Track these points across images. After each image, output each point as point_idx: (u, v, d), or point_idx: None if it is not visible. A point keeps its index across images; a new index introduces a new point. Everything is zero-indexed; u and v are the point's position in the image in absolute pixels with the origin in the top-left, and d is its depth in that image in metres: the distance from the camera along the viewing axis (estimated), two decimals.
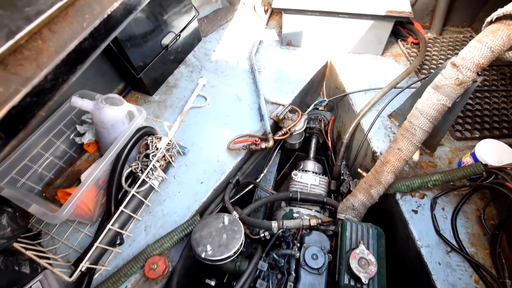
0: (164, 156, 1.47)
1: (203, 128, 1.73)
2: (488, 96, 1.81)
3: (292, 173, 1.72)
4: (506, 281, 1.14)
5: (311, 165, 1.84)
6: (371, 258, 0.98)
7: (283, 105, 1.77)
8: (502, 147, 1.37)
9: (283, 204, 1.63)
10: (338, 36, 2.04)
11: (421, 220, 1.34)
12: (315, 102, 1.95)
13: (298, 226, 1.25)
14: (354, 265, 0.96)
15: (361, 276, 0.94)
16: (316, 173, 1.78)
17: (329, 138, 2.08)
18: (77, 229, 1.40)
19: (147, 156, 1.42)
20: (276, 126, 1.75)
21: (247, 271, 1.06)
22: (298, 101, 1.98)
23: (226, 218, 1.18)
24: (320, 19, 1.96)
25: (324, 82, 2.27)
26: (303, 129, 1.74)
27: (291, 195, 1.52)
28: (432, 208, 1.37)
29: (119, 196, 1.38)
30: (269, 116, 1.73)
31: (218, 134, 1.68)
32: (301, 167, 1.85)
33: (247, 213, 1.37)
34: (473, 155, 1.39)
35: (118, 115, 1.34)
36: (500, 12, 1.02)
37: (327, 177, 1.77)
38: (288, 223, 1.23)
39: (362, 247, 1.01)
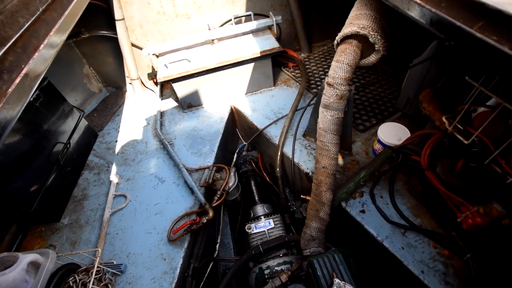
0: None
1: (133, 231, 1.52)
2: (368, 90, 2.16)
3: (246, 228, 1.65)
4: (452, 234, 1.28)
5: (260, 209, 1.81)
6: (349, 287, 0.96)
7: (208, 167, 1.72)
8: (395, 126, 1.61)
9: (251, 264, 1.52)
10: (231, 85, 2.17)
11: (370, 217, 1.42)
12: (236, 151, 1.97)
13: None
14: None
15: None
16: (268, 215, 1.75)
17: (265, 174, 2.11)
18: None
19: None
20: (210, 191, 1.68)
21: None
22: (221, 157, 1.97)
23: None
24: (207, 77, 2.06)
25: (237, 128, 2.34)
26: (237, 182, 1.72)
27: (253, 252, 1.44)
28: (374, 201, 1.48)
29: None
30: (199, 185, 1.65)
31: (153, 230, 1.50)
32: (252, 216, 1.79)
33: None
34: (379, 141, 1.59)
35: (16, 276, 1.06)
36: (340, 35, 1.24)
37: (279, 214, 1.75)
38: None
39: (336, 280, 0.98)
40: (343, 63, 1.21)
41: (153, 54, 2.11)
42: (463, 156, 1.03)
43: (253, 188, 2.06)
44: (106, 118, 2.28)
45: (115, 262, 1.37)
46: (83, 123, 1.98)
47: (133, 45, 2.29)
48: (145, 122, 2.19)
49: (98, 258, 1.21)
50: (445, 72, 1.45)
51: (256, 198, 1.98)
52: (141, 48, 2.29)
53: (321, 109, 1.32)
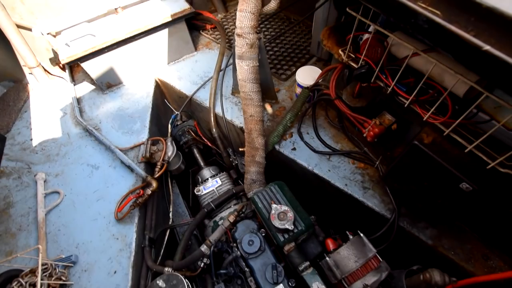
0: (49, 286, 1.17)
1: (77, 223, 1.46)
2: (285, 40, 2.26)
3: (195, 190, 1.71)
4: (365, 149, 1.55)
5: (206, 172, 1.88)
6: (285, 208, 1.13)
7: (143, 143, 1.69)
8: (309, 69, 1.76)
9: (206, 221, 1.61)
10: (150, 56, 2.05)
11: (301, 152, 1.61)
12: (170, 121, 1.95)
13: (224, 231, 1.28)
14: (277, 223, 1.09)
15: (287, 226, 1.08)
16: (214, 175, 1.83)
17: (205, 140, 2.15)
18: None
19: None
20: (151, 165, 1.67)
21: None
22: (156, 130, 1.93)
23: (159, 282, 1.08)
24: (120, 50, 1.91)
25: (167, 100, 2.28)
26: (176, 151, 1.73)
27: (206, 210, 1.53)
28: (302, 138, 1.66)
29: None
30: (137, 162, 1.62)
31: (98, 215, 1.46)
32: (200, 180, 1.85)
33: (179, 258, 1.30)
34: (299, 85, 1.74)
35: None
36: None
37: (224, 172, 1.85)
38: (213, 237, 1.25)
39: (274, 205, 1.14)
40: (247, 12, 1.25)
41: (47, 34, 1.85)
42: (356, 79, 1.22)
43: (197, 155, 2.09)
44: (11, 117, 1.98)
45: (63, 256, 1.32)
46: None
47: (18, 26, 1.95)
48: (61, 112, 1.98)
49: (41, 254, 1.16)
50: (340, 10, 1.62)
51: (202, 164, 2.03)
52: (30, 29, 1.97)
53: (237, 61, 1.37)
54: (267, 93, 1.74)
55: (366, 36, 1.23)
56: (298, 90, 1.77)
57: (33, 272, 1.19)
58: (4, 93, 2.15)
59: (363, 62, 1.18)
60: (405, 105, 1.12)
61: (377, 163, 1.49)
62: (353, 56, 1.25)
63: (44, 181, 1.61)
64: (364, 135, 1.39)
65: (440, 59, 0.93)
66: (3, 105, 2.07)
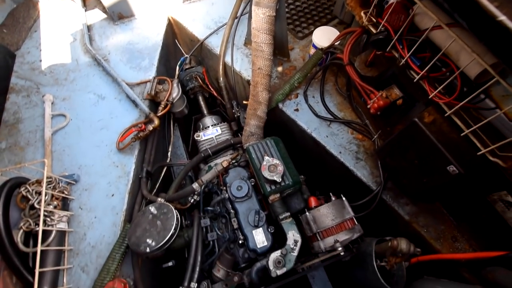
0: (53, 196, 1.29)
1: (81, 146, 1.54)
2: None
3: (195, 136, 1.77)
4: (366, 122, 1.56)
5: (208, 120, 1.91)
6: (276, 161, 1.18)
7: (149, 81, 1.70)
8: (329, 30, 1.68)
9: (201, 166, 1.70)
10: None
11: (303, 114, 1.62)
12: (178, 63, 1.93)
13: (216, 174, 1.36)
14: (266, 174, 1.15)
15: (275, 178, 1.14)
16: (215, 124, 1.87)
17: (211, 89, 2.14)
18: None
19: (33, 207, 1.23)
20: (155, 103, 1.70)
21: (193, 234, 1.15)
22: (163, 71, 1.92)
23: (151, 208, 1.19)
24: None
25: (178, 41, 2.22)
26: (180, 93, 1.74)
27: (202, 155, 1.60)
28: (306, 100, 1.66)
29: (31, 261, 1.21)
30: (142, 98, 1.65)
31: (100, 143, 1.54)
32: (201, 127, 1.90)
33: (172, 193, 1.40)
34: (313, 45, 1.68)
35: None
36: None
37: (226, 123, 1.88)
38: (206, 177, 1.33)
39: (266, 158, 1.19)
40: None
41: None
42: (373, 45, 1.17)
43: (201, 103, 2.11)
44: (21, 35, 1.97)
45: (67, 174, 1.43)
46: None
47: None
48: (71, 37, 1.95)
49: (46, 167, 1.25)
50: None
51: (205, 112, 2.06)
52: None
53: (253, 7, 1.31)
54: (279, 48, 1.68)
55: (392, 0, 1.15)
56: (312, 51, 1.71)
57: (39, 182, 1.30)
58: (14, 8, 2.10)
59: (383, 28, 1.12)
60: (415, 80, 1.10)
61: (375, 137, 1.51)
62: (374, 20, 1.19)
63: (52, 103, 1.66)
64: (368, 106, 1.38)
65: (461, 36, 0.89)
66: (13, 21, 2.04)
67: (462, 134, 1.02)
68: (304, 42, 1.90)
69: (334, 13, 1.98)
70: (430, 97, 1.06)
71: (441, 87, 1.01)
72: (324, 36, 1.64)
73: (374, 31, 1.17)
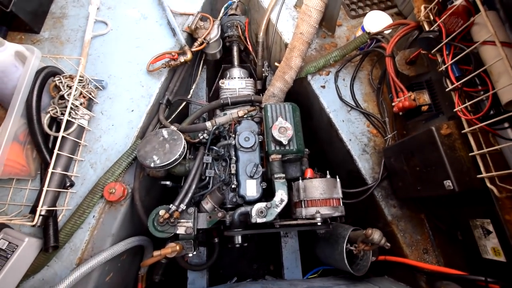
0: (81, 93, 1.40)
1: (114, 57, 1.62)
2: None
3: (220, 82, 1.82)
4: (385, 119, 1.56)
5: (236, 71, 1.94)
6: (288, 125, 1.23)
7: (193, 14, 1.70)
8: (383, 16, 1.61)
9: (217, 112, 1.77)
10: None
11: (328, 93, 1.64)
12: (225, 6, 1.91)
13: (230, 120, 1.43)
14: (275, 133, 1.21)
15: (282, 139, 1.21)
16: (242, 78, 1.90)
17: (248, 43, 2.14)
18: (19, 188, 1.37)
19: (62, 97, 1.35)
20: (192, 38, 1.72)
21: (194, 166, 1.26)
22: (208, 8, 1.91)
23: (164, 131, 1.29)
24: None
25: None
26: (218, 36, 1.76)
27: (222, 102, 1.66)
28: (336, 81, 1.66)
29: (50, 144, 1.36)
30: (181, 29, 1.67)
31: (133, 60, 1.61)
32: (228, 75, 1.94)
33: (186, 125, 1.49)
34: (362, 28, 1.63)
35: (5, 58, 1.18)
36: None
37: (252, 79, 1.91)
38: (220, 120, 1.40)
39: (280, 119, 1.24)
40: None
41: None
42: (420, 42, 1.14)
43: (234, 53, 2.12)
44: None
45: (97, 78, 1.53)
46: None
47: None
48: None
49: (81, 65, 1.34)
50: None
51: (236, 63, 2.08)
52: None
53: None
54: (328, 20, 1.64)
55: (458, 1, 1.10)
56: (359, 33, 1.66)
57: (71, 77, 1.40)
58: None
59: (436, 28, 1.09)
60: (447, 89, 1.09)
61: (389, 136, 1.53)
62: (432, 18, 1.15)
63: (98, 9, 1.71)
64: (393, 103, 1.39)
65: (510, 57, 0.87)
66: None
67: (470, 154, 1.05)
68: (354, 22, 1.83)
69: (395, 1, 1.88)
70: (455, 109, 1.06)
71: (470, 102, 1.01)
72: (376, 21, 1.58)
73: (427, 28, 1.14)
